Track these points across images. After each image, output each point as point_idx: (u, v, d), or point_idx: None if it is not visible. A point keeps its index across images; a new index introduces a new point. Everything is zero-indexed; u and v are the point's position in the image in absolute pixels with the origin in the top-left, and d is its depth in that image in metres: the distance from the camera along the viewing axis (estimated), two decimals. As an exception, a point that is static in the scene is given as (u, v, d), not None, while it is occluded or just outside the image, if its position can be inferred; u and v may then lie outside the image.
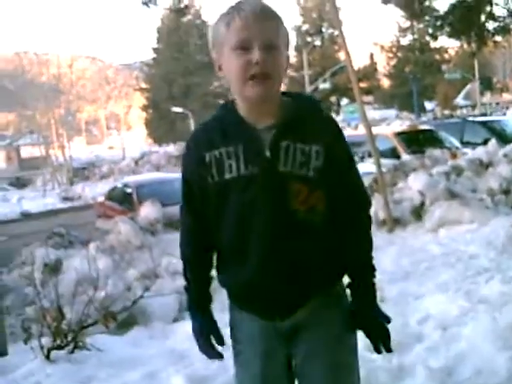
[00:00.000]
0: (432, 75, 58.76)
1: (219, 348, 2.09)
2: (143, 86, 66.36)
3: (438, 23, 24.01)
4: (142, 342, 5.01)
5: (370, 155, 11.30)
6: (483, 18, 24.43)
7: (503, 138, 13.33)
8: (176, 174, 20.06)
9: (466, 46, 30.21)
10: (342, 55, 59.06)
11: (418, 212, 8.63)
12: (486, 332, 3.38)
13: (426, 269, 6.18)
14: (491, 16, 25.02)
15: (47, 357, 4.36)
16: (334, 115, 56.22)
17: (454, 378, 3.13)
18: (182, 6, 36.63)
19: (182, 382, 3.70)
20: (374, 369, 3.42)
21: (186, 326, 5.30)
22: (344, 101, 56.17)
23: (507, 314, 3.44)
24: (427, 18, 24.38)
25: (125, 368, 4.19)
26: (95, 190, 25.63)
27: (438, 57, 61.41)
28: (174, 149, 29.47)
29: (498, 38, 28.57)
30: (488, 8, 24.52)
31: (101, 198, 16.00)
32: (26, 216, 22.48)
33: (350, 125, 47.30)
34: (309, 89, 44.92)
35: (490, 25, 24.92)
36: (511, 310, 3.48)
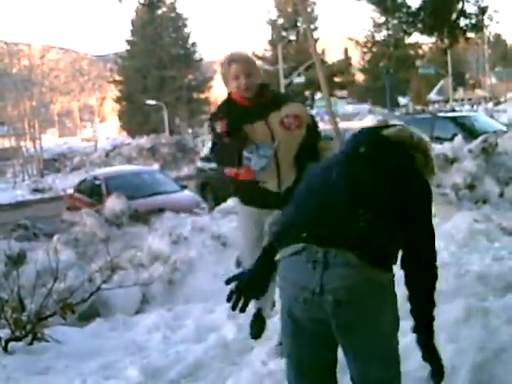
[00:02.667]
0: (406, 70, 59.14)
1: None
2: (117, 78, 65.84)
3: (410, 19, 24.15)
4: (103, 334, 5.02)
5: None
6: (455, 15, 24.64)
7: (473, 134, 13.45)
8: (146, 167, 20.01)
9: (439, 42, 30.50)
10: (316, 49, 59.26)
11: (383, 206, 8.71)
12: (435, 325, 3.44)
13: (387, 262, 6.25)
14: (463, 13, 25.21)
15: (4, 348, 4.36)
16: (308, 109, 56.27)
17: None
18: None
19: (137, 372, 3.73)
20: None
21: (148, 318, 5.35)
22: (318, 95, 56.26)
23: (455, 308, 3.51)
24: (399, 14, 24.52)
25: (82, 359, 4.20)
26: (66, 182, 25.43)
27: (412, 52, 61.77)
28: (146, 141, 29.32)
29: (470, 35, 28.80)
30: (459, 5, 24.70)
31: (70, 190, 15.89)
32: (-5, 207, 22.23)
33: (324, 119, 47.58)
34: (283, 83, 45.00)
35: (462, 22, 25.08)
36: (460, 303, 3.55)
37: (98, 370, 3.89)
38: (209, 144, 14.45)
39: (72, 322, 5.26)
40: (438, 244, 6.74)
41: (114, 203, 8.14)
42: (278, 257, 2.37)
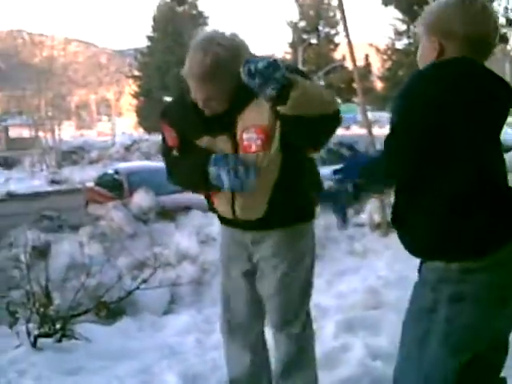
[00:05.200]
0: (426, 80, 58.74)
1: None
2: (136, 73, 65.88)
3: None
4: (131, 334, 4.86)
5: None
6: (483, 25, 24.56)
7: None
8: (166, 164, 19.78)
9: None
10: (337, 54, 59.00)
11: (414, 216, 8.50)
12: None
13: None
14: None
15: (33, 344, 4.19)
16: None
17: None
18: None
19: (176, 377, 3.55)
20: (377, 378, 3.31)
21: (177, 320, 5.18)
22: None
23: None
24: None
25: (115, 360, 4.04)
26: (83, 175, 25.35)
27: (432, 62, 61.45)
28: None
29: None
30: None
31: (90, 184, 15.77)
32: (13, 197, 22.08)
33: (341, 125, 47.43)
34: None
35: (489, 32, 25.16)
36: None
37: (135, 373, 3.70)
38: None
39: (98, 320, 5.11)
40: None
41: (141, 199, 7.99)
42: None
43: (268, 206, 2.64)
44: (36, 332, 4.29)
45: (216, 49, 2.41)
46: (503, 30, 26.57)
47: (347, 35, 8.70)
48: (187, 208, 8.56)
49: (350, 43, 8.68)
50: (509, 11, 23.41)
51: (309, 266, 2.91)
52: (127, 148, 28.23)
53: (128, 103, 73.11)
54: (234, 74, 2.30)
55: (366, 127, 8.42)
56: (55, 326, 4.36)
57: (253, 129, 2.48)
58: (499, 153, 2.06)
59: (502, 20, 25.11)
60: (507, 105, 2.07)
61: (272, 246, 2.77)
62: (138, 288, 4.88)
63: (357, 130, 28.29)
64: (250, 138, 2.50)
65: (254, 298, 2.89)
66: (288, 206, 2.68)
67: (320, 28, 61.09)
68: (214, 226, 7.36)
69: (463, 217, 1.95)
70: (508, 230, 1.97)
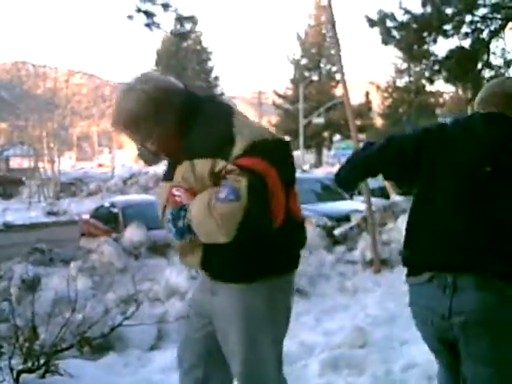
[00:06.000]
0: (426, 118, 59.18)
1: None
2: (138, 106, 66.31)
3: (436, 67, 24.23)
4: (116, 370, 4.85)
5: (359, 193, 11.22)
6: (480, 65, 24.68)
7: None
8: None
9: (461, 92, 30.61)
10: (338, 91, 59.40)
11: (406, 255, 8.50)
12: None
13: (412, 313, 6.05)
14: (488, 64, 25.27)
15: (16, 380, 4.17)
16: (325, 150, 56.41)
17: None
18: (187, 29, 36.40)
19: (155, 417, 3.55)
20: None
21: (163, 356, 5.16)
22: (336, 137, 56.42)
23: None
24: (425, 61, 24.61)
25: (97, 397, 4.02)
26: (81, 207, 25.39)
27: (432, 100, 61.91)
28: (163, 171, 29.42)
29: (494, 87, 28.90)
30: (485, 57, 24.78)
31: (86, 216, 15.81)
32: (8, 227, 22.04)
33: (341, 161, 47.67)
34: (303, 122, 45.15)
35: (486, 73, 25.17)
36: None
37: (114, 411, 3.70)
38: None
39: (83, 355, 5.08)
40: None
41: (133, 233, 8.00)
42: None
43: (203, 253, 2.40)
44: (20, 367, 4.28)
45: (118, 101, 2.47)
46: (501, 71, 26.78)
47: (342, 75, 8.82)
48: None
49: (344, 83, 8.79)
50: (506, 52, 23.45)
51: (255, 336, 2.41)
52: (125, 181, 28.28)
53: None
54: (146, 122, 2.41)
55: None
56: (39, 362, 4.35)
57: (182, 190, 2.37)
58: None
59: (500, 61, 25.29)
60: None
61: (220, 304, 2.45)
62: (120, 325, 4.87)
63: (355, 167, 28.38)
64: (179, 196, 2.36)
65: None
66: (227, 260, 2.35)
67: (322, 65, 61.64)
68: (205, 262, 7.38)
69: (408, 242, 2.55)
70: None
